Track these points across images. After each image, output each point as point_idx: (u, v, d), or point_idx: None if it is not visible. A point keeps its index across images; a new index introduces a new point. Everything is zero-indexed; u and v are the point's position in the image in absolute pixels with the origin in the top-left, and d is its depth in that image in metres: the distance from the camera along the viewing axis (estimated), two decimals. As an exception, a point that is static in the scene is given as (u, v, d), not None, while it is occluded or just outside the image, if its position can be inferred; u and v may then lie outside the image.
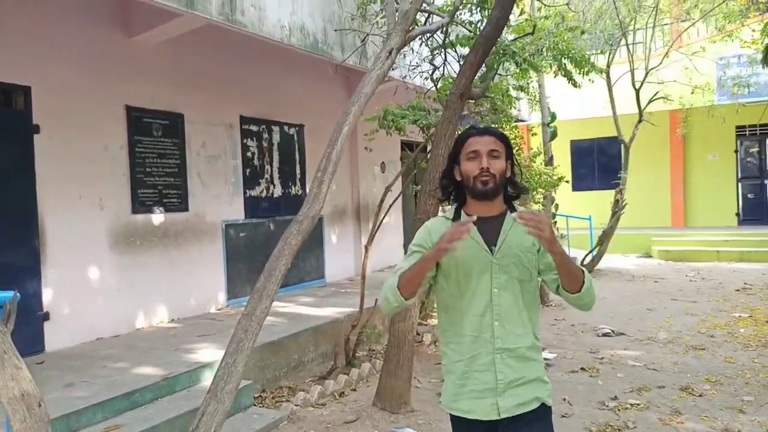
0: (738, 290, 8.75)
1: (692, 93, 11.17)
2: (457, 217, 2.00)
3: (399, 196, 5.78)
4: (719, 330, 6.46)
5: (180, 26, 5.46)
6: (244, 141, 7.06)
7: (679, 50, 11.44)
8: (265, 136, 7.38)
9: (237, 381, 2.20)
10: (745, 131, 14.19)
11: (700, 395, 4.49)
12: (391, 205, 5.81)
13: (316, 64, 6.84)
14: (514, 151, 2.17)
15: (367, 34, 5.21)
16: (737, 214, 14.36)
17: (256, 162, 7.24)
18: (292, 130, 7.78)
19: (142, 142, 5.83)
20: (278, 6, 5.25)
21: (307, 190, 7.94)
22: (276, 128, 7.53)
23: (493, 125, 6.33)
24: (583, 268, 1.93)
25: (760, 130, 14.00)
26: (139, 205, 5.77)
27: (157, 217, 5.96)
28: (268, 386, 4.91)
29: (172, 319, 6.07)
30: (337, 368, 5.30)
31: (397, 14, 3.33)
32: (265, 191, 7.35)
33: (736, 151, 14.36)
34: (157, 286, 5.94)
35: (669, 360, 5.45)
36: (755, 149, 14.28)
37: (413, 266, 1.87)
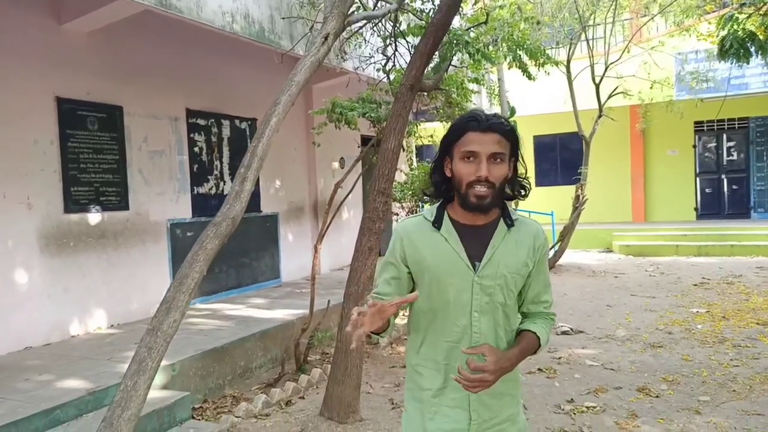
0: (696, 285, 8.78)
1: (651, 88, 11.21)
2: (439, 219, 1.67)
3: (350, 192, 5.52)
4: (677, 326, 6.41)
5: (114, 12, 5.11)
6: (191, 135, 6.71)
7: (639, 45, 11.46)
8: (214, 130, 7.04)
9: (138, 407, 1.93)
10: (703, 126, 14.38)
11: (657, 396, 4.38)
12: (342, 202, 5.57)
13: (268, 55, 6.53)
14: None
15: (314, 22, 4.93)
16: (696, 209, 14.55)
17: (204, 157, 6.90)
18: (244, 124, 7.45)
19: (76, 137, 5.45)
20: (218, -9, 4.94)
21: (260, 187, 7.69)
22: (226, 122, 7.19)
23: (448, 119, 6.14)
24: (539, 335, 1.72)
25: (717, 125, 14.20)
26: (73, 203, 5.39)
27: (94, 217, 5.59)
28: (211, 396, 4.63)
29: (111, 325, 5.72)
30: (285, 374, 5.04)
31: (335, -3, 3.07)
32: (214, 188, 7.01)
33: (694, 146, 14.54)
34: (95, 290, 5.57)
35: (627, 359, 5.35)
36: (713, 144, 14.48)
37: None
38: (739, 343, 5.63)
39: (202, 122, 6.85)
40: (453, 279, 1.63)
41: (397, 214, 7.20)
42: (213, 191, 6.99)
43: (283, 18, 5.65)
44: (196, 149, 6.78)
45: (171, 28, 5.96)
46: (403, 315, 7.14)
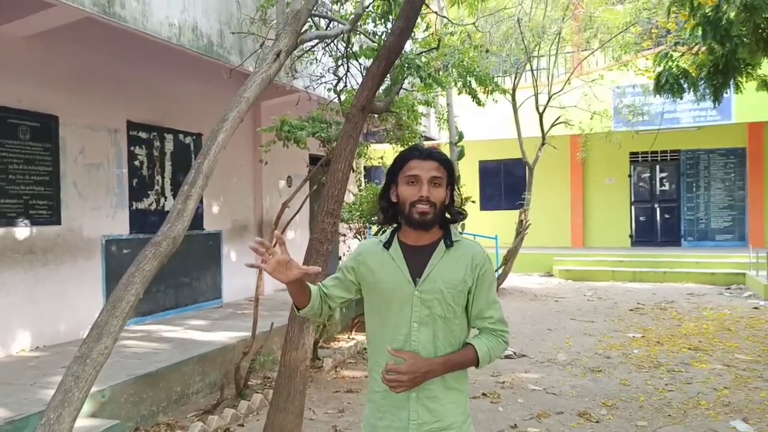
0: (631, 310, 9.08)
1: (591, 119, 11.65)
2: (389, 241, 1.90)
3: (297, 212, 5.43)
4: (615, 351, 6.58)
5: (53, 18, 4.88)
6: (132, 148, 6.46)
7: (580, 77, 11.93)
8: (157, 143, 6.80)
9: (61, 442, 1.77)
10: (638, 157, 15.07)
11: (597, 421, 4.45)
12: (289, 222, 5.46)
13: (216, 69, 6.39)
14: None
15: (266, 38, 4.86)
16: (630, 236, 15.15)
17: (145, 172, 6.64)
18: (188, 139, 7.24)
19: (5, 146, 5.14)
20: (166, 1, 4.79)
21: (203, 204, 7.47)
22: (169, 136, 6.96)
23: (398, 141, 6.16)
24: (477, 348, 1.83)
25: (651, 156, 14.91)
26: (-2, 216, 5.06)
27: (21, 231, 5.25)
28: (143, 424, 4.38)
29: (37, 347, 5.35)
30: (224, 400, 4.83)
31: (287, 15, 3.02)
32: (154, 204, 6.75)
33: (629, 176, 15.20)
34: (19, 309, 5.22)
35: (568, 383, 5.43)
36: (647, 174, 15.19)
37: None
38: (673, 368, 5.82)
39: (143, 135, 6.61)
40: (396, 293, 1.83)
41: (345, 235, 7.13)
42: (153, 207, 6.73)
43: (233, 33, 5.55)
44: (137, 163, 6.53)
45: (115, 37, 5.74)
46: (349, 337, 7.04)
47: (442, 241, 1.86)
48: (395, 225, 1.93)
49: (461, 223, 10.37)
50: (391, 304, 1.84)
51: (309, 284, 1.93)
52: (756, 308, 8.98)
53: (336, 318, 6.96)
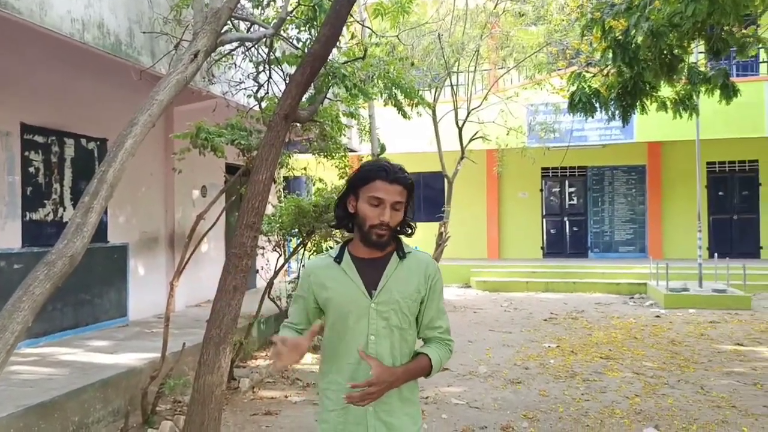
0: (546, 320, 9.36)
1: (507, 134, 12.02)
2: (340, 255, 1.91)
3: (214, 224, 5.12)
4: (532, 361, 6.71)
5: (-68, 4, 4.32)
6: (26, 154, 5.88)
7: (497, 94, 12.29)
8: (56, 149, 6.24)
9: None
10: (549, 172, 15.73)
11: (520, 434, 4.46)
12: (205, 235, 5.14)
13: (125, 71, 5.96)
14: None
15: (180, 39, 4.57)
16: (542, 248, 15.76)
17: (41, 180, 6.07)
18: (92, 145, 6.71)
19: None
20: (68, -6, 4.39)
21: (108, 214, 6.94)
22: (70, 141, 6.41)
23: (321, 152, 5.99)
24: (430, 356, 1.88)
25: (561, 172, 15.62)
26: None
27: None
28: (34, 460, 3.91)
29: None
30: (130, 429, 4.44)
31: (207, 13, 2.80)
32: (51, 215, 6.17)
33: (541, 190, 15.83)
34: None
35: (489, 396, 5.45)
36: (557, 189, 15.89)
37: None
38: (587, 377, 5.99)
39: (40, 139, 6.04)
40: (352, 306, 1.84)
41: (263, 248, 6.84)
42: (50, 218, 6.15)
43: (144, 32, 5.19)
44: (32, 170, 5.95)
45: (6, 30, 5.21)
46: (267, 355, 6.73)
47: (395, 253, 1.89)
48: (344, 241, 1.97)
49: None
50: (346, 319, 1.84)
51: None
52: (658, 317, 9.52)
53: (253, 335, 6.65)
